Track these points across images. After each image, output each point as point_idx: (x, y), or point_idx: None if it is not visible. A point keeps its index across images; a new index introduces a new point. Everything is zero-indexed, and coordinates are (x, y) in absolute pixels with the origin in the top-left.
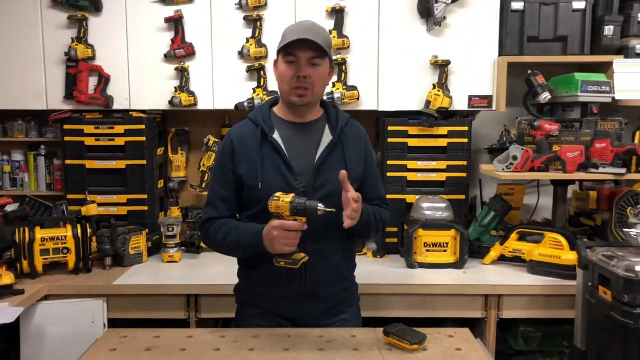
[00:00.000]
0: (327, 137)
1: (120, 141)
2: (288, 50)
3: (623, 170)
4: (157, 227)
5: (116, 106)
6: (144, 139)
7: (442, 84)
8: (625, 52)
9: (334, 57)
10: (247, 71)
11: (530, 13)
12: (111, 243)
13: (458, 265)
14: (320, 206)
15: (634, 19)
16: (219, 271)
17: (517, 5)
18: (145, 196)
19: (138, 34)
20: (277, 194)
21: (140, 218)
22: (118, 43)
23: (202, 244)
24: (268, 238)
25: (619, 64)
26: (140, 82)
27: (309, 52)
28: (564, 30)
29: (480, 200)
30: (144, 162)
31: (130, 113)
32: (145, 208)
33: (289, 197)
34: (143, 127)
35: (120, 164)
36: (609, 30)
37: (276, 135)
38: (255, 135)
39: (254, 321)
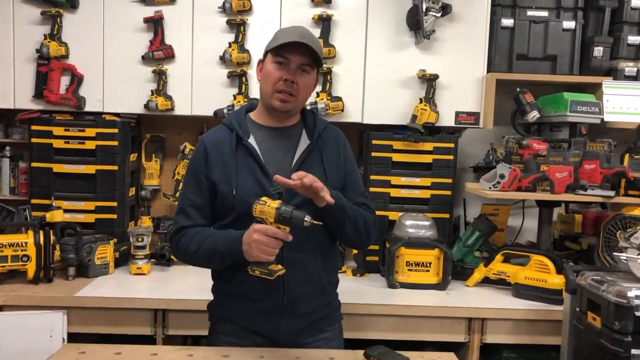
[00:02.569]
0: (304, 142)
1: (90, 145)
2: (280, 51)
3: (612, 193)
4: (126, 237)
5: (88, 108)
6: (116, 143)
7: (429, 99)
8: (614, 73)
9: None
10: (228, 77)
11: (520, 30)
12: (76, 252)
13: (441, 286)
14: (307, 218)
15: (623, 41)
16: (189, 285)
17: (507, 22)
18: (115, 204)
19: (115, 33)
20: (264, 198)
21: (109, 227)
22: (93, 42)
23: (172, 257)
24: (247, 242)
25: (608, 85)
26: (115, 84)
27: (301, 57)
28: (553, 49)
29: (463, 219)
30: (115, 167)
31: (103, 116)
32: (115, 216)
33: (275, 203)
34: (116, 131)
35: (90, 169)
36: (598, 51)
37: (251, 140)
38: (230, 140)
39: (227, 339)
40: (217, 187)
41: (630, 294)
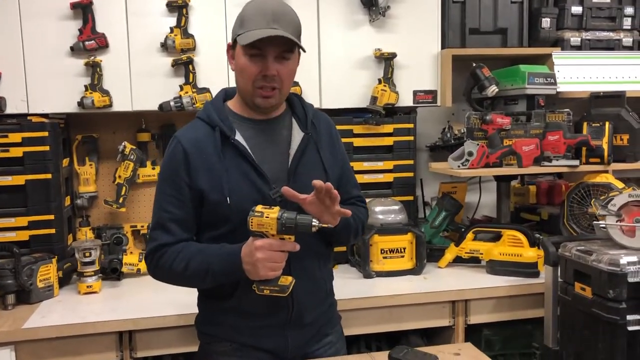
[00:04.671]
0: (297, 134)
1: (17, 152)
2: (254, 41)
3: (577, 162)
4: (67, 253)
5: (10, 110)
6: (47, 148)
7: (387, 79)
8: (561, 44)
9: None
10: (173, 65)
11: (471, 4)
12: (14, 276)
13: (416, 270)
14: (315, 222)
15: (567, 11)
16: (150, 300)
17: None
18: (52, 217)
19: (36, 22)
20: (259, 209)
21: (47, 243)
22: (9, 32)
23: (124, 269)
24: (249, 261)
25: (558, 55)
26: (40, 80)
27: (278, 46)
28: (503, 22)
29: (422, 200)
30: (49, 176)
31: (29, 118)
32: (52, 231)
33: (274, 212)
34: (46, 134)
35: (19, 180)
36: (545, 22)
37: (239, 137)
38: (213, 138)
39: (226, 359)
40: (206, 196)
41: (622, 261)
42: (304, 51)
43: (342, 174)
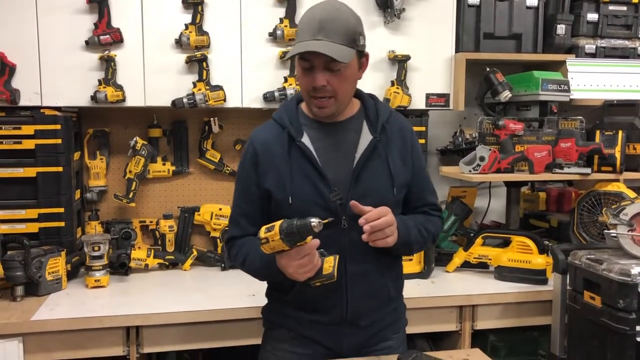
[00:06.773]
0: (365, 137)
1: (29, 144)
2: (300, 54)
3: (589, 170)
4: (76, 246)
5: (24, 102)
6: (59, 141)
7: (400, 81)
8: (576, 51)
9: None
10: (187, 62)
11: (486, 8)
12: (24, 268)
13: (424, 274)
14: (314, 221)
15: (583, 18)
16: (158, 296)
17: (473, 0)
18: (62, 210)
19: (52, 15)
20: (262, 235)
21: (56, 236)
22: (25, 25)
23: (132, 264)
24: (287, 273)
25: (572, 62)
26: (54, 73)
27: (324, 57)
28: (518, 27)
29: None
30: (60, 169)
31: (42, 110)
32: (62, 224)
33: (276, 233)
34: (58, 127)
35: (30, 172)
36: (560, 29)
37: (305, 139)
38: (282, 139)
39: (284, 346)
40: (272, 195)
41: (634, 271)
42: (360, 50)
43: (414, 179)
